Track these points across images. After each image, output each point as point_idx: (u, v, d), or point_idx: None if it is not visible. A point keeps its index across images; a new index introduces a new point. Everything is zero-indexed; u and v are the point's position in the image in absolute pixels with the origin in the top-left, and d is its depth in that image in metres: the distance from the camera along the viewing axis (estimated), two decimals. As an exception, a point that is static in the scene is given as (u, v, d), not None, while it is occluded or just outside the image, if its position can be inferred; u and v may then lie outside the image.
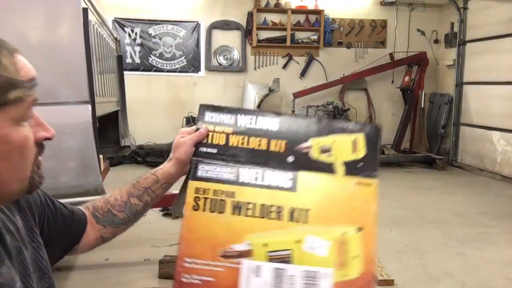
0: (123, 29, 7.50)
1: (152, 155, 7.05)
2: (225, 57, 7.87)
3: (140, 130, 7.28)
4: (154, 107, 7.71)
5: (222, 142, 1.07)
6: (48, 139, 0.77)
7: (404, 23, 8.02)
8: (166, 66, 7.69)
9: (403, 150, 7.90)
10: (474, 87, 7.39)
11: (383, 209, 4.75)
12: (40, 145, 0.76)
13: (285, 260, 0.98)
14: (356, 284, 0.98)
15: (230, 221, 1.01)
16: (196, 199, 1.03)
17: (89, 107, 2.59)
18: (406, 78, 7.80)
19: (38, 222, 0.93)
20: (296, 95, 7.42)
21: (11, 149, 0.70)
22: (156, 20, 7.59)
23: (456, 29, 7.69)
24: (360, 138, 1.05)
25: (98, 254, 3.40)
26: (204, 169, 1.05)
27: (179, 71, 7.74)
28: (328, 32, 7.92)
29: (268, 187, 1.03)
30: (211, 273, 0.99)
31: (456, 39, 7.66)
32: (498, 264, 3.47)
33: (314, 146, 1.05)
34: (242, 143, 1.06)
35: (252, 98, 7.33)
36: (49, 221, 0.97)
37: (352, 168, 1.04)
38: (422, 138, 8.21)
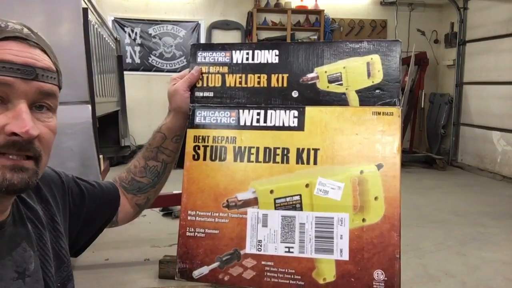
0: (123, 29, 7.50)
1: (152, 155, 7.04)
2: (225, 57, 7.87)
3: (140, 130, 7.27)
4: (154, 107, 7.70)
5: (218, 83, 0.98)
6: (16, 135, 0.69)
7: (404, 23, 8.03)
8: (166, 66, 7.69)
9: (403, 150, 7.89)
10: (474, 87, 7.40)
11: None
12: (11, 143, 0.69)
13: (295, 206, 0.89)
14: (377, 230, 0.86)
15: (232, 169, 0.93)
16: (196, 148, 0.96)
17: (89, 107, 2.59)
18: (406, 78, 7.79)
19: (63, 210, 0.92)
20: (296, 95, 7.42)
21: None
22: (156, 20, 7.59)
23: (456, 29, 7.70)
24: (376, 59, 0.90)
25: (98, 254, 3.40)
26: (201, 115, 0.98)
27: (179, 71, 7.71)
28: (328, 32, 7.93)
29: (272, 128, 0.92)
30: (214, 225, 0.92)
31: (456, 39, 7.66)
32: (498, 264, 3.46)
33: (320, 76, 0.91)
34: (240, 82, 0.96)
35: (252, 98, 7.33)
36: (77, 205, 0.96)
37: (368, 97, 0.89)
38: (422, 138, 8.21)
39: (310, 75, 0.92)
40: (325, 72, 0.91)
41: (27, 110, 0.70)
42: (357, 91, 0.90)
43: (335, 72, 0.91)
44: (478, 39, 7.22)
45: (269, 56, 0.95)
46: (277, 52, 0.94)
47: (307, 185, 0.89)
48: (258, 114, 0.93)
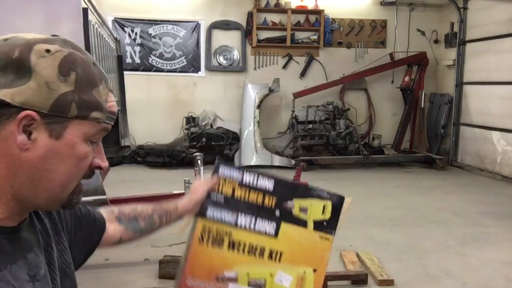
0: (123, 29, 7.50)
1: (152, 155, 7.04)
2: (225, 57, 7.87)
3: (140, 130, 7.27)
4: (154, 107, 7.71)
5: (229, 192, 1.35)
6: (100, 168, 0.87)
7: (404, 23, 8.02)
8: (166, 66, 7.69)
9: (403, 150, 7.90)
10: (474, 87, 7.40)
11: (383, 208, 4.74)
12: (91, 170, 0.86)
13: (260, 286, 1.32)
14: None
15: (225, 254, 1.31)
16: (203, 233, 1.32)
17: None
18: (406, 78, 7.80)
19: (65, 228, 1.01)
20: (296, 95, 7.42)
21: (72, 157, 0.81)
22: (156, 20, 7.59)
23: (456, 29, 7.70)
24: (329, 204, 1.37)
25: (98, 254, 3.39)
26: (212, 211, 1.34)
27: (179, 71, 7.74)
28: (328, 32, 7.93)
29: (258, 232, 1.34)
30: None
31: (456, 39, 7.66)
32: (498, 264, 3.47)
33: (295, 205, 1.36)
34: (244, 196, 1.35)
35: (252, 98, 7.33)
36: (75, 227, 1.06)
37: (319, 225, 1.36)
38: (422, 138, 8.22)
39: (289, 204, 1.35)
40: (299, 204, 1.36)
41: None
42: (314, 221, 1.36)
43: (304, 206, 1.35)
44: (478, 39, 7.22)
45: (268, 183, 1.35)
46: (273, 182, 1.36)
47: (271, 274, 1.32)
48: (251, 220, 1.34)
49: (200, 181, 1.39)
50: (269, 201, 1.36)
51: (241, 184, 1.36)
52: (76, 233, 1.06)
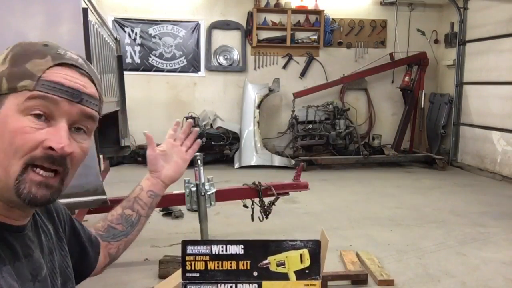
0: (123, 29, 7.50)
1: (152, 155, 7.02)
2: (225, 57, 7.87)
3: (140, 130, 7.22)
4: (154, 107, 7.71)
5: (202, 267, 1.38)
6: (52, 149, 0.78)
7: (404, 23, 8.03)
8: (166, 66, 7.70)
9: (403, 150, 7.90)
10: (474, 87, 7.40)
11: (383, 208, 4.73)
12: (47, 156, 0.78)
13: None
14: None
15: None
16: None
17: (89, 107, 2.57)
18: (406, 78, 7.80)
19: (65, 237, 1.02)
20: (296, 95, 7.42)
21: (5, 131, 0.76)
22: (156, 20, 7.59)
23: (456, 29, 7.70)
24: (305, 252, 1.39)
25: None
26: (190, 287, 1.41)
27: (179, 71, 7.74)
28: (328, 32, 7.93)
29: None
30: None
31: (456, 39, 7.66)
32: (498, 264, 3.47)
33: (271, 262, 1.39)
34: (218, 266, 1.38)
35: (252, 98, 7.33)
36: (71, 243, 1.05)
37: (301, 274, 1.38)
38: (422, 138, 8.22)
39: (264, 262, 1.38)
40: (274, 259, 1.38)
41: (66, 129, 0.80)
42: (295, 271, 1.37)
43: (281, 260, 1.38)
44: (478, 39, 7.22)
45: (237, 249, 1.38)
46: (242, 246, 1.39)
47: None
48: (231, 287, 1.37)
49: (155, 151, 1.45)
50: (244, 265, 1.39)
51: (212, 257, 1.39)
52: (72, 248, 1.05)
